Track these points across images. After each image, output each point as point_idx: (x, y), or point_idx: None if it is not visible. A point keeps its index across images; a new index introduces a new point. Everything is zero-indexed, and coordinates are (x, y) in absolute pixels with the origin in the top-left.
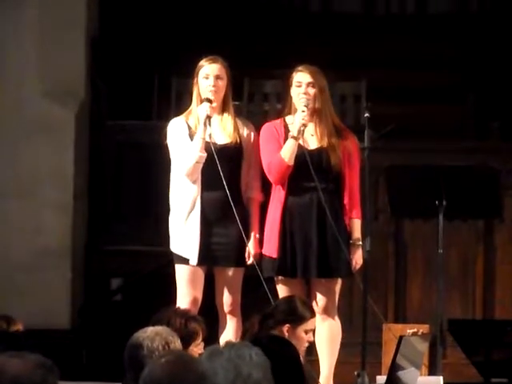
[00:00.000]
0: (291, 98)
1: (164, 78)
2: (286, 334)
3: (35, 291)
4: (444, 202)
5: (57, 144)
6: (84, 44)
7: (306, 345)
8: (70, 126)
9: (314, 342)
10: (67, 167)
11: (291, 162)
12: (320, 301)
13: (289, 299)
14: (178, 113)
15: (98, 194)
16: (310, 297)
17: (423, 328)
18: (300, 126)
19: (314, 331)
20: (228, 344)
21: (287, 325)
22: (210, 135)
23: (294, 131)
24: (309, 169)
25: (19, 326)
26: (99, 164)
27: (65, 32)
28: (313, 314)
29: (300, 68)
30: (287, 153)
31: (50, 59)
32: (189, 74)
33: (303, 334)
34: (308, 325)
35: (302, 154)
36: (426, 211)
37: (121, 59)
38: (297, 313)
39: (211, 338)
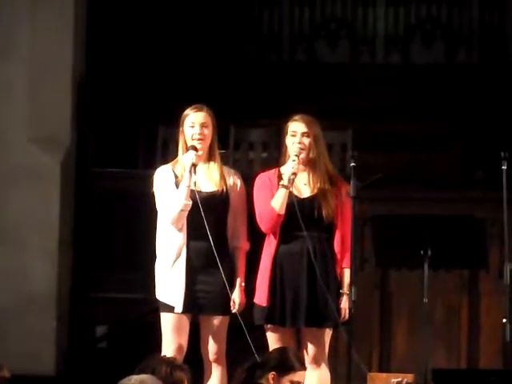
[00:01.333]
0: (286, 147)
1: (150, 127)
2: (272, 382)
3: (20, 337)
4: (429, 252)
5: (43, 191)
6: (70, 90)
7: None
8: (56, 173)
9: None
10: (53, 214)
11: (282, 212)
12: (310, 350)
13: (281, 349)
14: (164, 161)
15: (84, 241)
16: (300, 346)
17: (408, 377)
18: (290, 175)
19: None
20: None
21: (273, 373)
22: (195, 183)
23: (284, 180)
24: (301, 218)
25: (5, 373)
26: (85, 211)
27: (51, 78)
28: (302, 367)
29: (295, 117)
30: (278, 202)
31: (37, 105)
32: (175, 122)
33: None
34: (296, 376)
35: (292, 203)
36: (412, 261)
37: (107, 106)
38: (285, 362)
39: None
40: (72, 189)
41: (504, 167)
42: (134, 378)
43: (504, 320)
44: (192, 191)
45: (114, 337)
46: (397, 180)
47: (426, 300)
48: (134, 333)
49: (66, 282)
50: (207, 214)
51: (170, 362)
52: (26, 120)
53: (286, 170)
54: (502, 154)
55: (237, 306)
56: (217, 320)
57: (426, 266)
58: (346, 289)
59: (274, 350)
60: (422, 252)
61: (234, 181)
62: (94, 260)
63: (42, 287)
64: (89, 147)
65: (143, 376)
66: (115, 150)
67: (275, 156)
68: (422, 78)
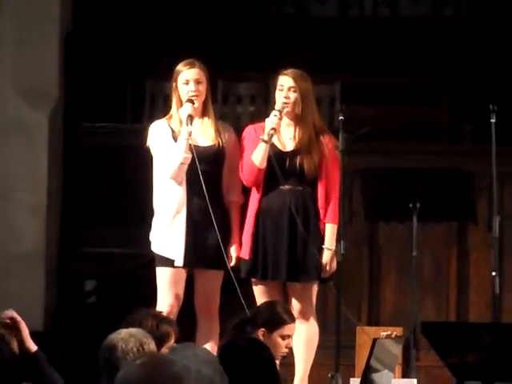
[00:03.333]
0: (275, 100)
1: (138, 81)
2: (262, 338)
3: (9, 294)
4: (418, 205)
5: (30, 146)
6: (58, 44)
7: (284, 351)
8: (44, 128)
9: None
10: (41, 169)
11: (262, 166)
12: (296, 304)
13: (269, 304)
14: (152, 115)
15: (72, 197)
16: (287, 300)
17: (397, 331)
18: (269, 129)
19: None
20: (171, 349)
21: (262, 329)
22: (190, 133)
23: (264, 135)
24: (282, 171)
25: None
26: (73, 166)
27: (38, 30)
28: (292, 320)
29: (285, 72)
30: (258, 156)
31: (24, 59)
32: (163, 76)
33: (279, 340)
34: (285, 330)
35: (273, 157)
36: (400, 214)
37: (94, 59)
38: (274, 317)
39: (189, 339)
40: (60, 143)
41: (493, 120)
42: (124, 331)
43: (493, 273)
44: (190, 145)
45: (103, 292)
46: (385, 133)
47: (414, 253)
48: (123, 287)
49: (55, 238)
50: (204, 168)
51: (156, 315)
52: (13, 75)
53: (267, 123)
54: (491, 106)
55: (234, 260)
56: (212, 274)
57: (414, 219)
58: (327, 244)
59: (262, 304)
60: (410, 205)
61: (229, 135)
62: (83, 215)
63: (30, 243)
64: (77, 101)
65: (132, 330)
66: (103, 104)
67: (263, 110)
68: (411, 31)
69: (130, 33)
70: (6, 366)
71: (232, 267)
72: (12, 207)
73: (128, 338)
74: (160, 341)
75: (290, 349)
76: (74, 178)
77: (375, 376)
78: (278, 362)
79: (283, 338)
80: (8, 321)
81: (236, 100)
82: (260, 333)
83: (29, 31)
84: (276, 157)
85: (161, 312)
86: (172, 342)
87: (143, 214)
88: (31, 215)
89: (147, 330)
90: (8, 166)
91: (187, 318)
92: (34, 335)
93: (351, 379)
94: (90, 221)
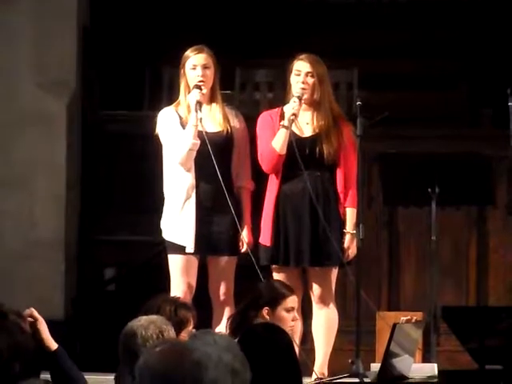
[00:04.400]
0: (290, 85)
1: (156, 68)
2: (267, 317)
3: (29, 282)
4: (437, 190)
5: (49, 134)
6: (75, 33)
7: (293, 324)
8: (62, 117)
9: (310, 330)
10: (59, 158)
11: (283, 152)
12: (316, 289)
13: (265, 283)
14: (170, 102)
15: (91, 185)
16: (306, 286)
17: (417, 315)
18: (290, 115)
19: (303, 317)
20: (190, 335)
21: (266, 308)
22: (200, 119)
23: (284, 121)
24: (301, 157)
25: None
26: (91, 154)
27: (56, 22)
28: (291, 292)
29: (301, 56)
30: (278, 142)
31: (42, 49)
32: (180, 63)
33: (284, 313)
34: (287, 303)
35: (293, 143)
36: (419, 199)
37: (112, 49)
38: (274, 294)
39: (206, 327)
40: (78, 132)
41: (511, 104)
42: (144, 318)
43: None
44: (199, 131)
45: (122, 279)
46: (403, 119)
47: (434, 238)
48: (143, 275)
49: (74, 226)
50: (213, 154)
51: (174, 300)
52: (32, 65)
53: (287, 110)
54: (509, 90)
55: (245, 246)
56: (225, 260)
57: (433, 204)
58: (349, 228)
59: (260, 286)
60: (429, 189)
61: (237, 121)
62: (102, 203)
63: (49, 231)
64: (95, 90)
65: (152, 316)
66: (121, 92)
67: (281, 96)
68: (428, 15)
69: (147, 21)
70: (27, 357)
71: (245, 253)
72: (32, 195)
73: (148, 324)
74: (178, 326)
75: (310, 333)
76: (92, 166)
77: (395, 361)
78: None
79: (287, 310)
80: (30, 319)
81: (254, 87)
82: (264, 312)
83: (47, 23)
84: (295, 142)
85: (179, 297)
86: (191, 327)
87: (162, 201)
88: (50, 203)
89: (165, 316)
90: (28, 155)
91: (203, 306)
92: (53, 323)
93: (371, 364)
94: (110, 208)
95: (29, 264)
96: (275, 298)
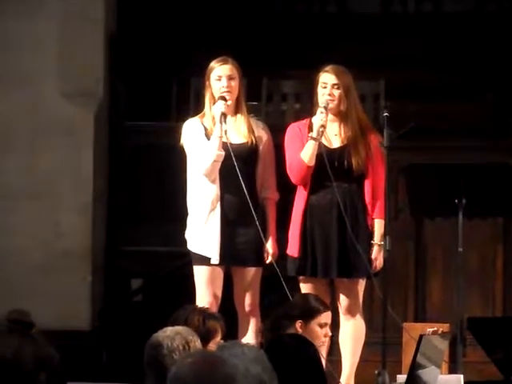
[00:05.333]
0: (317, 97)
1: (183, 79)
2: (300, 330)
3: (55, 293)
4: (463, 201)
5: (76, 145)
6: (103, 44)
7: (324, 340)
8: (89, 127)
9: (337, 341)
10: (86, 168)
11: (311, 163)
12: (343, 301)
13: (301, 296)
14: (197, 113)
15: (117, 195)
16: (333, 297)
17: (443, 327)
18: (319, 127)
19: (330, 327)
20: (219, 347)
21: (299, 321)
22: (225, 132)
23: (313, 132)
24: (331, 169)
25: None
26: (118, 165)
27: (83, 31)
28: (326, 308)
29: (326, 69)
30: (307, 154)
31: (69, 58)
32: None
33: (317, 329)
34: (321, 318)
35: (322, 154)
36: (446, 210)
37: (139, 59)
38: (309, 308)
39: (231, 338)
40: (105, 142)
41: None
42: (169, 329)
43: None
44: (224, 143)
45: (149, 290)
46: (430, 130)
47: (460, 249)
48: (169, 285)
49: (101, 236)
50: (238, 165)
51: (202, 311)
52: (59, 75)
53: (315, 121)
54: None
55: (270, 257)
56: (250, 271)
57: (460, 215)
58: (377, 239)
59: (295, 298)
60: (456, 201)
61: (262, 132)
62: (128, 213)
63: (76, 242)
64: (121, 101)
65: (178, 327)
66: (148, 103)
67: (308, 107)
68: (454, 26)
69: (175, 31)
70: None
71: (270, 264)
72: (58, 205)
73: (174, 335)
74: (207, 337)
75: (337, 344)
76: (119, 177)
77: (422, 372)
78: (322, 356)
79: (321, 326)
80: None
81: (281, 98)
82: (298, 325)
83: (74, 32)
84: (322, 154)
85: (207, 308)
86: (219, 338)
87: (187, 211)
88: (77, 213)
89: (194, 326)
90: (54, 165)
91: (228, 317)
92: (80, 334)
93: (398, 376)
94: (136, 219)
95: (55, 275)
96: (310, 313)
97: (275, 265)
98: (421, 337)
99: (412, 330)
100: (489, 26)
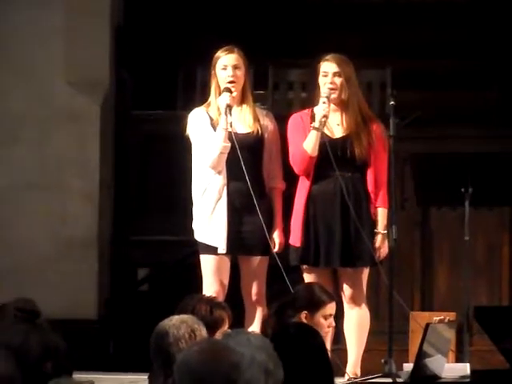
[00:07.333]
0: (319, 87)
1: (189, 68)
2: (305, 320)
3: (62, 282)
4: (470, 190)
5: (82, 134)
6: (109, 33)
7: (328, 330)
8: (96, 116)
9: (342, 330)
10: (93, 157)
11: (314, 154)
12: (347, 290)
13: (306, 286)
14: (203, 103)
15: (124, 184)
16: (337, 286)
17: (450, 316)
18: (321, 117)
19: (334, 316)
20: (224, 335)
21: (305, 312)
22: (230, 124)
23: (315, 123)
24: (334, 158)
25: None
26: (124, 154)
27: (90, 21)
28: (331, 299)
29: (327, 57)
30: (310, 144)
31: (75, 48)
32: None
33: (322, 320)
34: (326, 310)
35: (324, 144)
36: (452, 199)
37: (145, 49)
38: (314, 298)
39: (238, 327)
40: (111, 132)
41: None
42: (175, 318)
43: None
44: (229, 133)
45: (156, 279)
46: (436, 118)
47: (467, 238)
48: (176, 275)
49: (107, 226)
50: (244, 156)
51: (209, 300)
52: (65, 64)
53: (317, 111)
54: None
55: (277, 246)
56: (257, 260)
57: (466, 204)
58: (380, 228)
59: (301, 288)
60: (462, 190)
61: (268, 121)
62: (135, 203)
63: (82, 231)
64: (127, 90)
65: (184, 316)
66: (154, 92)
67: (314, 96)
68: (460, 15)
69: (181, 20)
70: (59, 356)
71: (277, 253)
72: (65, 195)
73: (179, 324)
74: (214, 326)
75: (342, 333)
76: (125, 166)
77: (428, 361)
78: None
79: (325, 317)
80: None
81: (287, 87)
82: (302, 315)
83: (80, 22)
84: (325, 144)
85: (214, 297)
86: (226, 327)
87: (193, 202)
88: (84, 203)
89: (201, 316)
90: (61, 154)
91: (235, 306)
92: (87, 323)
93: (404, 364)
94: (143, 208)
95: (62, 264)
96: (315, 304)
97: (275, 255)
98: (427, 325)
99: (419, 319)
100: (494, 15)
